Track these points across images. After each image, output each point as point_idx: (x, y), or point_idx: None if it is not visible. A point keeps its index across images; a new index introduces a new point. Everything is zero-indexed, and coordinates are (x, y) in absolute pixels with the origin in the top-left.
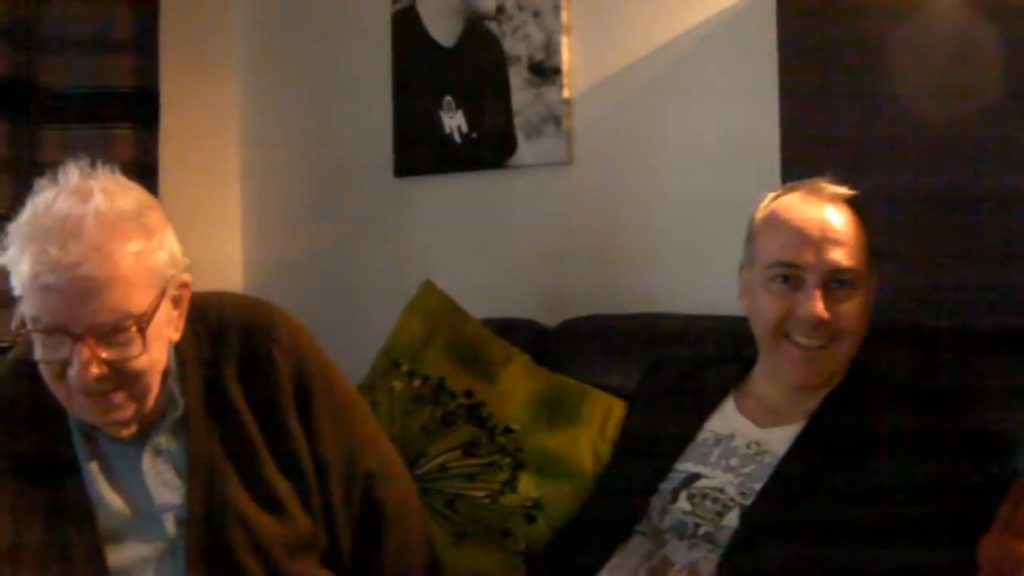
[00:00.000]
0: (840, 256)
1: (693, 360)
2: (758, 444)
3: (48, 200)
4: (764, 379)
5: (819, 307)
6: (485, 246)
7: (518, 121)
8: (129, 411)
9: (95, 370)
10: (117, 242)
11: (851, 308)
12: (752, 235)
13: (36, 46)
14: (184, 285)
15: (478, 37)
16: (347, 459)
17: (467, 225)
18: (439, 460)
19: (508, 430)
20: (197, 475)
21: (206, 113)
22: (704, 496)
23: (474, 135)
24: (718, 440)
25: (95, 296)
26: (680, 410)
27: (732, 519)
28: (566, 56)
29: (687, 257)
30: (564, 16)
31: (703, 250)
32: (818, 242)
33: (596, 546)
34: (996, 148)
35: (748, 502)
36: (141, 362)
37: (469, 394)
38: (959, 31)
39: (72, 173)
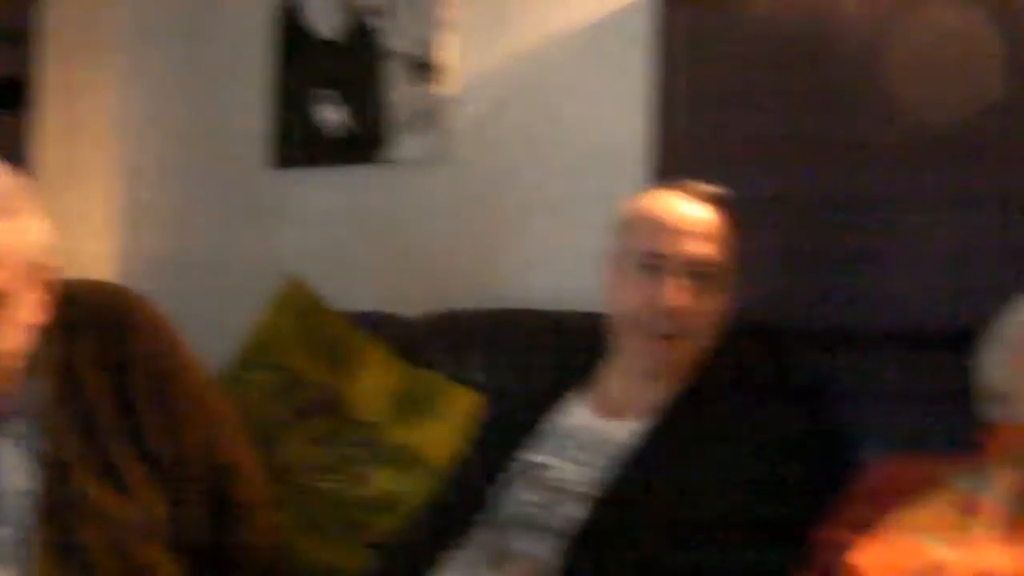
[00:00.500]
0: (701, 249)
1: (548, 354)
2: (605, 436)
3: None
4: (616, 372)
5: (676, 297)
6: (359, 240)
7: (396, 116)
8: None
9: None
10: None
11: (708, 301)
12: (619, 227)
13: None
14: (48, 271)
15: (359, 31)
16: (202, 449)
17: (342, 219)
18: (295, 453)
19: (365, 423)
20: (51, 462)
21: (83, 105)
22: (549, 487)
23: (352, 129)
24: (566, 432)
25: None
26: (531, 403)
27: (576, 510)
28: (446, 53)
29: (557, 254)
30: (445, 13)
31: (573, 248)
32: (680, 234)
33: (441, 538)
34: (860, 151)
35: (592, 493)
36: None
37: (327, 387)
38: (832, 35)
39: None
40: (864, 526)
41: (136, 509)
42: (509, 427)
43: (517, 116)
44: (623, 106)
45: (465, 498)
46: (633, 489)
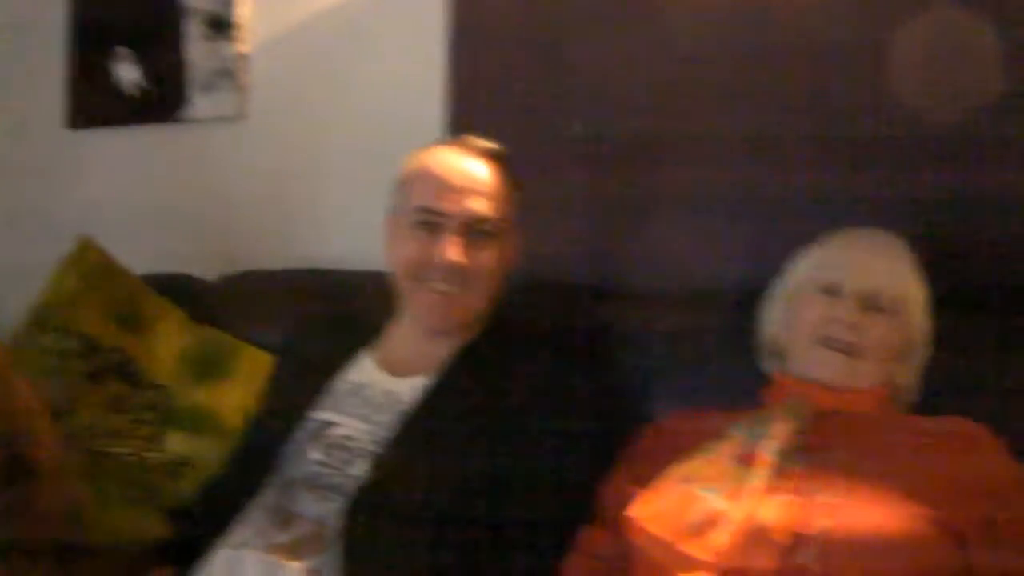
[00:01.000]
0: (479, 206)
1: (340, 313)
2: (392, 393)
3: None
4: (402, 329)
5: (454, 253)
6: (155, 200)
7: (193, 75)
8: None
9: None
10: None
11: (488, 257)
12: (399, 184)
13: None
14: None
15: None
16: None
17: (138, 179)
18: (86, 418)
19: (157, 386)
20: None
21: None
22: (336, 445)
23: (149, 87)
24: (353, 389)
25: None
26: (321, 362)
27: (361, 468)
28: (243, 10)
29: (351, 215)
30: None
31: (371, 207)
32: (459, 191)
33: (232, 501)
34: (648, 112)
35: (378, 450)
36: None
37: (119, 350)
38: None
39: None
40: (647, 479)
41: None
42: (300, 386)
43: (315, 75)
44: (420, 65)
45: (257, 459)
46: (413, 446)
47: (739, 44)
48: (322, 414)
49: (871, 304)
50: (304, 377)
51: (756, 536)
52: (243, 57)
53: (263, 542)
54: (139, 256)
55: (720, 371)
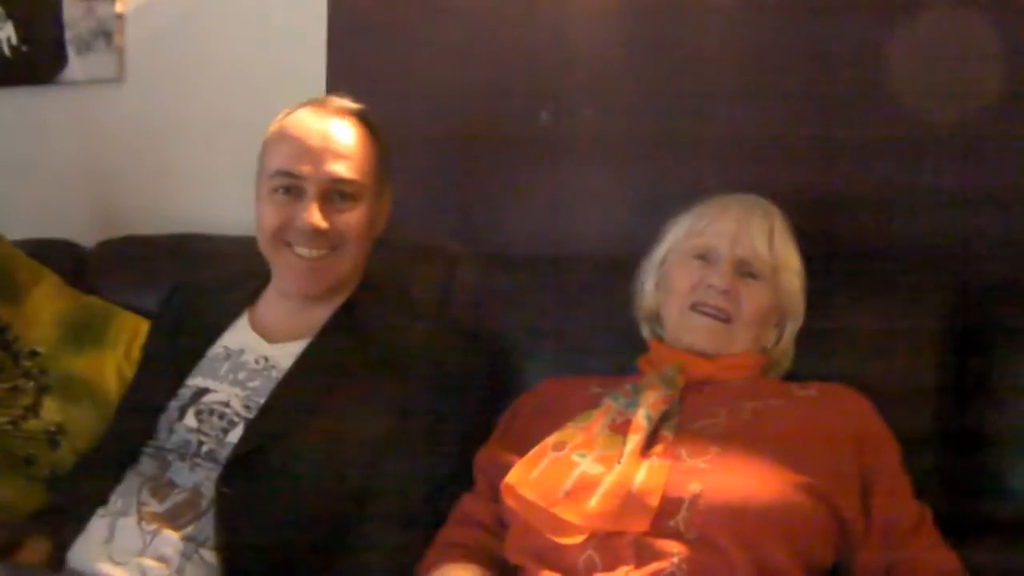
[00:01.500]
0: (340, 168)
1: (216, 279)
2: (267, 359)
3: None
4: (274, 294)
5: (315, 217)
6: (31, 165)
7: (69, 35)
8: None
9: None
10: None
11: (353, 219)
12: (263, 148)
13: None
14: None
15: None
16: None
17: (13, 142)
18: None
19: (34, 353)
20: None
21: None
22: (211, 412)
23: (24, 48)
24: (228, 355)
25: None
26: (197, 328)
27: (236, 435)
28: None
29: (233, 178)
30: None
31: (248, 171)
32: (318, 153)
33: (109, 470)
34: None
35: (252, 417)
36: None
37: None
38: None
39: None
40: (523, 447)
41: None
42: (175, 353)
43: (194, 35)
44: (301, 25)
45: (133, 427)
46: (287, 413)
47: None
48: (197, 381)
49: (744, 270)
50: (179, 343)
51: (628, 500)
52: (120, 17)
53: (140, 511)
54: (15, 221)
55: (595, 337)
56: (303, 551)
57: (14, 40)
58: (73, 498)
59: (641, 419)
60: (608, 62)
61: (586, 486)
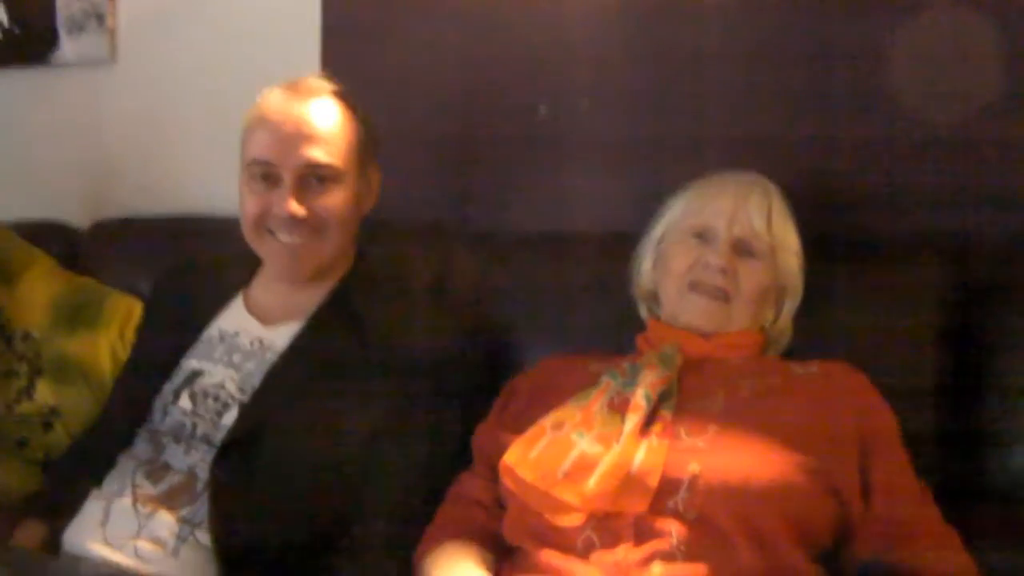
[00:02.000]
0: (316, 152)
1: (209, 261)
2: (261, 341)
3: None
4: (266, 277)
5: (292, 205)
6: (24, 146)
7: (61, 16)
8: None
9: None
10: None
11: (332, 202)
12: (242, 135)
13: None
14: None
15: None
16: None
17: (5, 125)
18: None
19: (27, 336)
20: None
21: None
22: (205, 394)
23: (15, 30)
24: (223, 337)
25: None
26: (192, 309)
27: (230, 418)
28: None
29: (226, 158)
30: None
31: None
32: (292, 139)
33: (104, 452)
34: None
35: (246, 399)
36: None
37: None
38: None
39: None
40: (521, 426)
41: None
42: (169, 335)
43: (186, 15)
44: (295, 2)
45: (128, 409)
46: (282, 395)
47: None
48: (191, 363)
49: (743, 249)
50: (173, 325)
51: (628, 481)
52: None
53: (136, 493)
54: (8, 203)
55: (594, 316)
56: (298, 534)
57: (5, 22)
58: (68, 481)
59: (640, 399)
60: (607, 58)
61: (585, 466)
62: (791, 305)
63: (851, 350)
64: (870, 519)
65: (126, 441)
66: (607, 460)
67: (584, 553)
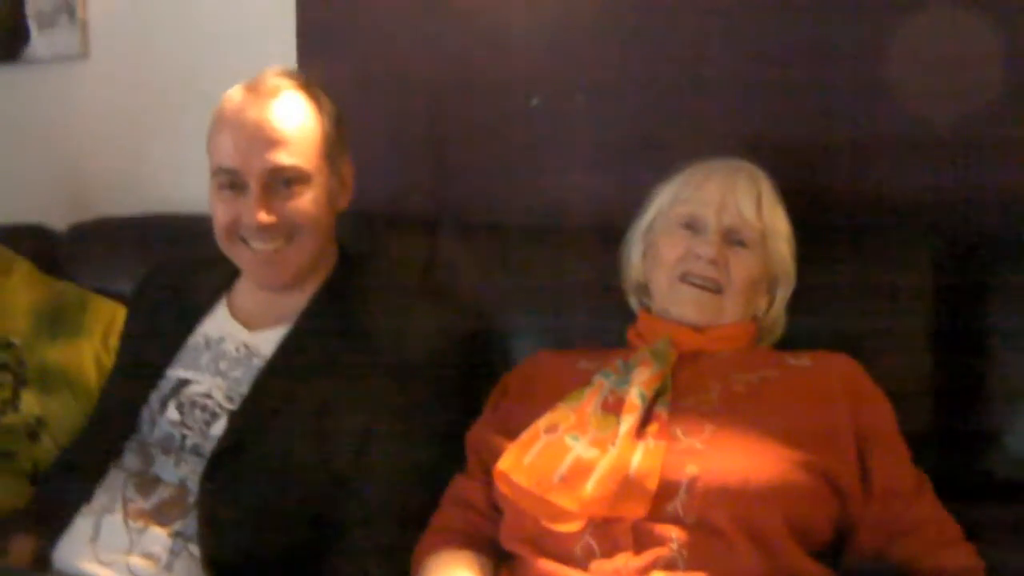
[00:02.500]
0: (279, 156)
1: (192, 262)
2: (247, 347)
3: None
4: (248, 282)
5: (260, 214)
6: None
7: (30, 11)
8: None
9: None
10: None
11: (302, 204)
12: (207, 139)
13: None
14: None
15: None
16: None
17: None
18: None
19: (9, 345)
20: None
21: None
22: (193, 404)
23: None
24: (208, 343)
25: None
26: (175, 313)
27: (219, 428)
28: None
29: (202, 154)
30: None
31: None
32: (254, 144)
33: (92, 465)
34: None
35: (235, 408)
36: None
37: None
38: None
39: None
40: (514, 428)
41: None
42: (153, 343)
43: (159, 7)
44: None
45: (115, 421)
46: (270, 403)
47: None
48: (178, 371)
49: (733, 238)
50: (157, 330)
51: (626, 484)
52: None
53: (126, 507)
54: None
55: (584, 309)
56: (292, 543)
57: None
58: (56, 495)
59: (634, 398)
60: (602, 52)
61: (581, 471)
62: (784, 293)
63: (847, 349)
64: (871, 512)
65: (114, 454)
66: (604, 464)
67: (583, 561)
